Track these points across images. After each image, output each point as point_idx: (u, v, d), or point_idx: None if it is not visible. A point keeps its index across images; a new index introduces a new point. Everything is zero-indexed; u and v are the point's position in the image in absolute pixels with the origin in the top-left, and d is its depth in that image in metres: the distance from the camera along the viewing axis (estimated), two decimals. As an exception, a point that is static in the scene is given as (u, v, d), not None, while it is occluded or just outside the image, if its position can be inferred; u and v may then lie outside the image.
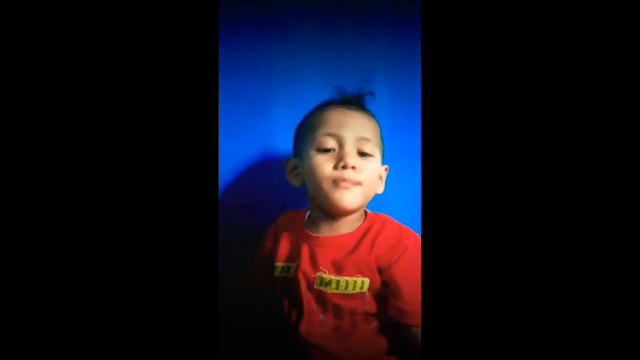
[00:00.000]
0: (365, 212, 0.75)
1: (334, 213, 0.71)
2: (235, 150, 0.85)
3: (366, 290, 0.66)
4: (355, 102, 0.75)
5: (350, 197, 0.68)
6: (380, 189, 0.76)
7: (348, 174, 0.68)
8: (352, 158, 0.68)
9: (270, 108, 0.88)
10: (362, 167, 0.69)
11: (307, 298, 0.69)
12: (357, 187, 0.69)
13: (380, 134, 0.76)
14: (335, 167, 0.68)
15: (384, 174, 0.78)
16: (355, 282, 0.66)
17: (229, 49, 0.77)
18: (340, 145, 0.70)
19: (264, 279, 0.76)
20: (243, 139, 0.86)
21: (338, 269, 0.68)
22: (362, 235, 0.70)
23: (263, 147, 0.88)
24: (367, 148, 0.70)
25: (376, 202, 0.76)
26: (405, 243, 0.68)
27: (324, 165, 0.69)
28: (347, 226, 0.72)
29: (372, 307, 0.67)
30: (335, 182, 0.68)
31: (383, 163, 0.77)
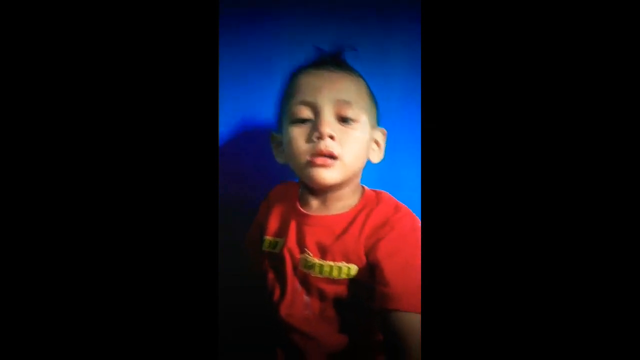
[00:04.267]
0: (363, 189, 0.68)
1: (316, 190, 0.64)
2: (234, 133, 0.82)
3: (353, 277, 0.60)
4: (333, 60, 0.65)
5: (328, 175, 0.61)
6: (375, 157, 0.68)
7: (324, 145, 0.59)
8: (328, 127, 0.59)
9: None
10: (343, 135, 0.61)
11: (291, 279, 0.64)
12: (336, 162, 0.60)
13: (371, 94, 0.66)
14: (311, 139, 0.60)
15: (381, 139, 0.68)
16: (340, 268, 0.60)
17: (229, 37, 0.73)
18: (316, 113, 0.61)
19: (255, 251, 0.72)
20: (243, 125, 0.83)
21: (323, 252, 0.62)
22: (354, 217, 0.63)
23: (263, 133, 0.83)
24: (349, 112, 0.61)
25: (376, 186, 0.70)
26: (393, 222, 0.60)
27: (299, 138, 0.61)
28: (339, 204, 0.65)
29: (356, 293, 0.61)
30: (312, 157, 0.60)
31: (380, 126, 0.68)
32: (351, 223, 0.62)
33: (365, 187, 0.68)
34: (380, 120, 0.69)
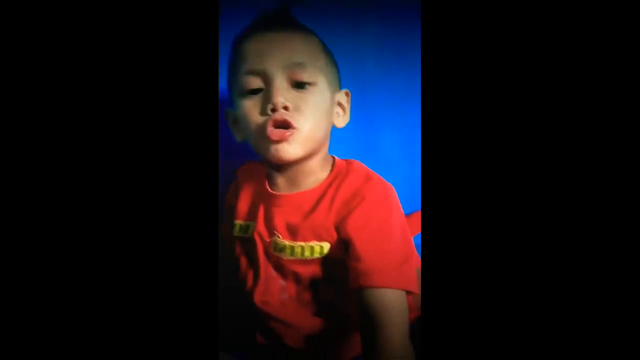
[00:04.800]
0: (334, 160, 0.62)
1: (281, 167, 0.59)
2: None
3: (325, 255, 0.56)
4: (279, 20, 0.59)
5: (290, 149, 0.55)
6: (340, 122, 0.62)
7: (280, 116, 0.54)
8: (281, 96, 0.54)
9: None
10: (300, 102, 0.55)
11: (264, 264, 0.60)
12: (295, 133, 0.54)
13: (327, 52, 0.60)
14: (265, 112, 0.55)
15: (345, 101, 0.62)
16: (312, 247, 0.56)
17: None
18: (267, 81, 0.55)
19: (230, 239, 0.67)
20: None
21: (293, 233, 0.57)
22: (323, 191, 0.58)
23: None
24: (304, 75, 0.55)
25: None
26: (363, 192, 0.55)
27: (253, 111, 0.55)
28: (309, 179, 0.60)
29: (333, 272, 0.57)
30: (268, 133, 0.54)
31: (342, 87, 0.62)
32: (320, 198, 0.57)
33: (336, 157, 0.63)
34: (342, 82, 0.63)
